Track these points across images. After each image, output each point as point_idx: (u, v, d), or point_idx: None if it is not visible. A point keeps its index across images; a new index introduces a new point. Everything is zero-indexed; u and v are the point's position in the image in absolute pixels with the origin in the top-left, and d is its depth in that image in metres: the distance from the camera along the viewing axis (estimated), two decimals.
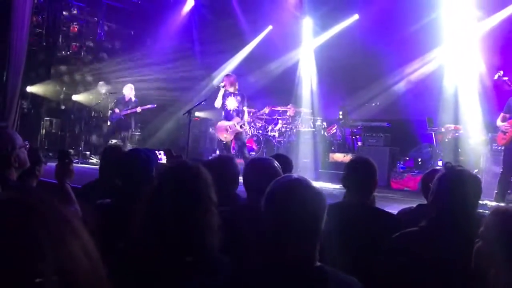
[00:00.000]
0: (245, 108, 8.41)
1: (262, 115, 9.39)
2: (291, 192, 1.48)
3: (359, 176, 2.71)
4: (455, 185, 2.11)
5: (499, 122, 6.67)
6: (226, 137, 8.45)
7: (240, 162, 5.25)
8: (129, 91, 10.39)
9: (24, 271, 0.67)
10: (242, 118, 8.37)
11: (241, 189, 2.83)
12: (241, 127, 8.33)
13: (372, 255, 2.28)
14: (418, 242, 2.13)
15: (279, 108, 11.37)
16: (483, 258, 1.52)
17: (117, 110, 10.41)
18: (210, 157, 9.81)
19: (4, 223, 0.70)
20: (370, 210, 2.74)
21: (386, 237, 2.35)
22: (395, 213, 3.21)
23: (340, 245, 2.33)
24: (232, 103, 8.32)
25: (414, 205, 3.28)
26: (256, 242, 1.67)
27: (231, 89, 8.30)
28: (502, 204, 5.90)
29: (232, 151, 9.05)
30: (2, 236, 0.68)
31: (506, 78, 6.56)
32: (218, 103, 8.35)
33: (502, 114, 6.63)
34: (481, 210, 3.10)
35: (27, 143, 2.65)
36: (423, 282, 2.04)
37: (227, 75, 8.76)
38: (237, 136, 8.38)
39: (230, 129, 8.34)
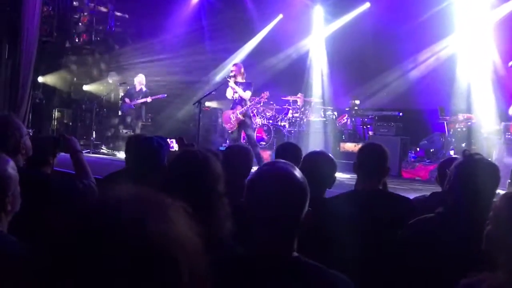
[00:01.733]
0: (248, 92, 8.26)
1: (260, 101, 9.33)
2: (268, 180, 1.43)
3: (370, 161, 2.69)
4: (473, 173, 2.09)
5: (511, 111, 6.59)
6: (230, 126, 8.47)
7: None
8: (140, 81, 10.42)
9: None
10: (243, 106, 8.35)
11: None
12: (243, 115, 8.29)
13: (387, 240, 2.27)
14: (435, 228, 2.13)
15: (289, 98, 11.33)
16: (492, 242, 1.52)
17: (127, 100, 10.45)
18: (221, 147, 9.84)
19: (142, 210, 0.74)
20: (383, 195, 2.72)
21: (401, 221, 2.34)
22: None
23: (354, 233, 2.32)
24: (240, 92, 8.30)
25: (428, 194, 3.26)
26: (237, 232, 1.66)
27: (238, 79, 8.29)
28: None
29: (242, 141, 9.04)
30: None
31: None
32: (229, 94, 8.35)
33: None
34: (495, 200, 3.07)
35: (30, 131, 2.70)
36: (439, 268, 2.03)
37: (235, 64, 8.74)
38: (241, 125, 8.36)
39: (233, 117, 8.35)
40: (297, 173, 1.47)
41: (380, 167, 2.70)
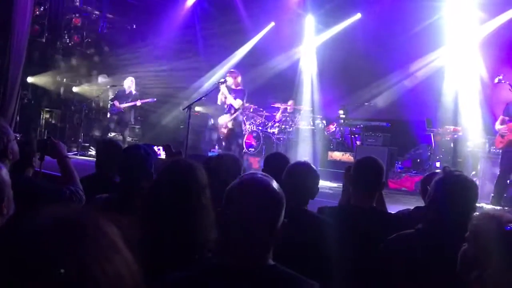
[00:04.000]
0: (238, 101, 8.25)
1: (248, 110, 9.37)
2: (245, 190, 1.48)
3: (367, 177, 2.70)
4: (452, 189, 2.13)
5: (497, 125, 6.70)
6: (223, 132, 8.51)
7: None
8: (129, 84, 10.40)
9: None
10: (232, 114, 8.36)
11: None
12: (232, 124, 8.31)
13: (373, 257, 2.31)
14: (414, 244, 2.16)
15: (278, 105, 11.38)
16: (467, 261, 1.55)
17: (117, 103, 10.42)
18: (210, 153, 9.84)
19: (56, 242, 0.68)
20: (377, 213, 2.74)
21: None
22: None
23: (345, 248, 2.35)
24: (229, 99, 8.32)
25: (412, 207, 3.30)
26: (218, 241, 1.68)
27: (232, 86, 8.30)
28: (494, 207, 5.95)
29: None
30: (52, 256, 0.67)
31: (506, 82, 6.58)
32: (220, 100, 8.37)
33: (501, 117, 6.67)
34: (476, 213, 3.14)
35: (17, 136, 2.70)
36: (418, 284, 2.06)
37: (230, 71, 8.75)
38: (230, 134, 8.38)
39: (225, 125, 8.39)
40: (274, 184, 1.51)
41: (377, 183, 2.72)
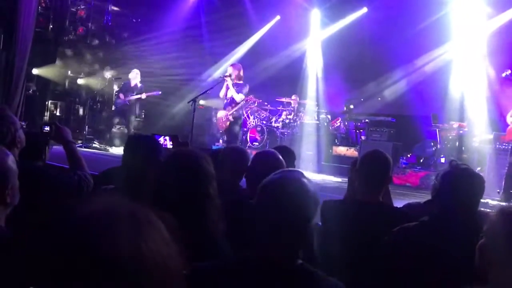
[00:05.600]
0: (240, 95, 8.24)
1: (253, 104, 9.32)
2: (281, 189, 1.47)
3: (374, 172, 2.64)
4: (458, 183, 2.12)
5: (509, 118, 6.67)
6: (221, 125, 8.51)
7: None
8: (134, 76, 10.38)
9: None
10: (233, 107, 8.35)
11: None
12: (233, 116, 8.31)
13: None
14: (419, 236, 2.15)
15: (283, 99, 11.35)
16: (485, 255, 1.53)
17: (121, 96, 10.41)
18: (214, 146, 9.84)
19: (114, 230, 0.72)
20: (384, 208, 2.71)
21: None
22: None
23: (348, 243, 2.34)
24: (231, 92, 8.31)
25: (422, 201, 3.27)
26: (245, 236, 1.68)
27: (235, 79, 8.29)
28: (500, 204, 5.91)
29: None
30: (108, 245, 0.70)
31: None
32: (222, 93, 8.37)
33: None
34: (482, 209, 3.13)
35: (23, 124, 2.71)
36: (422, 276, 2.06)
37: (233, 65, 8.73)
38: (230, 126, 8.39)
39: (225, 118, 8.38)
40: (309, 183, 1.51)
41: (384, 177, 2.69)
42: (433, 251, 2.06)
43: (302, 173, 1.56)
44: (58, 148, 2.93)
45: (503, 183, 6.62)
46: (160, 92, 10.66)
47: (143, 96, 10.22)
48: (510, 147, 6.71)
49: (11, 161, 1.76)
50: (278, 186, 1.49)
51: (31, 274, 0.69)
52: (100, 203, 0.77)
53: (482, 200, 2.30)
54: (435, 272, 2.01)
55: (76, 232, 0.71)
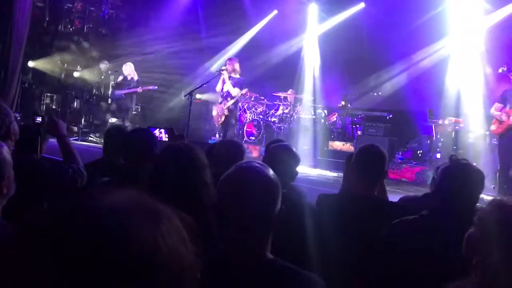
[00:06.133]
0: (236, 89, 8.23)
1: (249, 98, 9.30)
2: (240, 178, 1.42)
3: (370, 165, 2.64)
4: (458, 178, 2.14)
5: (493, 111, 6.70)
6: (217, 119, 8.51)
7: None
8: (128, 70, 10.28)
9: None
10: (230, 101, 8.34)
11: None
12: (228, 110, 8.30)
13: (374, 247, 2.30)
14: (418, 229, 2.16)
15: (280, 94, 11.34)
16: (471, 245, 1.55)
17: (118, 90, 10.38)
18: (210, 140, 9.84)
19: (134, 222, 0.72)
20: (379, 201, 2.71)
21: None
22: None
23: (344, 236, 2.34)
24: (227, 86, 8.30)
25: (419, 194, 3.28)
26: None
27: (232, 73, 8.28)
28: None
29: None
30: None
31: (511, 73, 6.56)
32: (218, 87, 8.36)
33: (496, 104, 6.68)
34: (478, 204, 3.16)
35: (17, 115, 2.70)
36: (421, 269, 2.07)
37: (229, 59, 8.72)
38: (226, 120, 8.39)
39: (221, 112, 8.38)
40: (270, 172, 1.46)
41: (380, 171, 2.68)
42: (432, 244, 2.07)
43: (260, 163, 1.51)
44: (52, 141, 2.93)
45: (497, 178, 6.66)
46: (156, 87, 10.62)
47: (139, 90, 10.18)
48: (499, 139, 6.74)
49: (6, 151, 1.75)
50: (237, 178, 1.43)
51: (41, 268, 0.68)
52: (122, 196, 0.76)
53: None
54: (433, 265, 2.03)
55: (94, 226, 0.70)
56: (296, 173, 2.77)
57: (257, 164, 1.48)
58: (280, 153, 2.72)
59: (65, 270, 0.66)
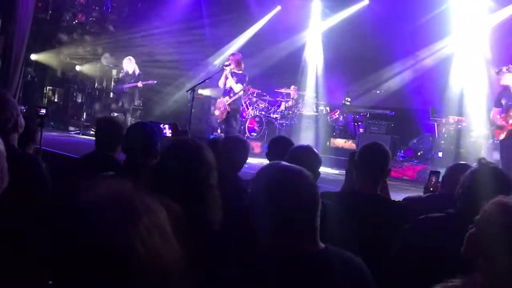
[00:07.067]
0: (238, 85, 8.21)
1: (251, 94, 9.29)
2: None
3: (374, 163, 2.63)
4: (488, 180, 2.17)
5: (492, 117, 6.67)
6: (219, 114, 8.49)
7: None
8: (129, 64, 10.19)
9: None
10: (231, 97, 8.32)
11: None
12: (230, 106, 8.28)
13: (380, 245, 2.29)
14: (446, 227, 2.19)
15: (282, 90, 11.32)
16: (474, 244, 1.55)
17: (120, 84, 10.35)
18: (211, 136, 9.82)
19: (109, 221, 0.72)
20: (381, 200, 2.70)
21: (395, 227, 2.36)
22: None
23: (346, 234, 2.33)
24: (230, 82, 8.27)
25: (422, 194, 3.27)
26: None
27: (235, 69, 8.25)
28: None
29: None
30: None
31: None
32: (221, 82, 8.33)
33: (494, 109, 6.64)
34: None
35: (23, 109, 2.69)
36: (446, 267, 2.05)
37: (232, 54, 8.68)
38: (228, 115, 8.36)
39: (223, 107, 8.36)
40: (309, 173, 1.56)
41: (383, 170, 2.67)
42: (459, 243, 2.07)
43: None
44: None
45: None
46: (155, 82, 10.57)
47: (140, 84, 10.13)
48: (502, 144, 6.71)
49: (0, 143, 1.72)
50: (281, 179, 1.50)
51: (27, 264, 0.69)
52: (103, 192, 0.76)
53: None
54: (458, 264, 2.02)
55: (68, 223, 0.71)
56: (319, 174, 2.80)
57: (298, 167, 1.57)
58: (303, 154, 2.74)
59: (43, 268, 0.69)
